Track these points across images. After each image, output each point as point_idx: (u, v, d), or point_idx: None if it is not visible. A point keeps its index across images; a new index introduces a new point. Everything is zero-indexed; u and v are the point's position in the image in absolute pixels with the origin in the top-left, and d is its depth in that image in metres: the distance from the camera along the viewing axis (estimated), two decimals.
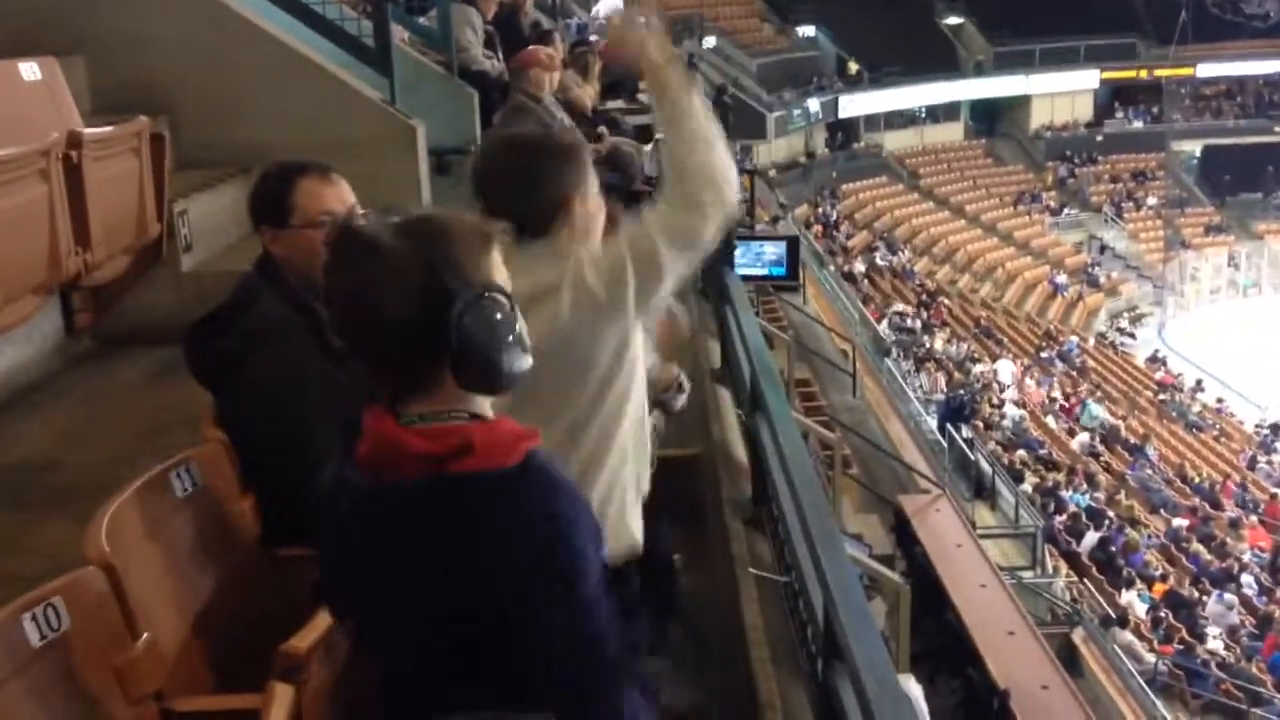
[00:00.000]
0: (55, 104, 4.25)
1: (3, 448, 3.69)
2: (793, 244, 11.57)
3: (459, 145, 7.21)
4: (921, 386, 20.37)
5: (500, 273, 1.71)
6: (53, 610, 1.96)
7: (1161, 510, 18.70)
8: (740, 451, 4.37)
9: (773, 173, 29.12)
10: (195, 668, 2.36)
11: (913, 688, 2.95)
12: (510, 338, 1.66)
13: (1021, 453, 18.75)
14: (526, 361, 1.69)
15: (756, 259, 10.73)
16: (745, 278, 8.83)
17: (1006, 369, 22.82)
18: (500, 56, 8.23)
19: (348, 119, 5.76)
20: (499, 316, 1.65)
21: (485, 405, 1.72)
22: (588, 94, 7.49)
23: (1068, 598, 14.05)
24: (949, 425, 17.67)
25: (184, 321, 2.89)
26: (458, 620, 1.67)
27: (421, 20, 8.38)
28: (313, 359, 2.72)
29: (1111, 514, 17.42)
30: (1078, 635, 12.61)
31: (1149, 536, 17.36)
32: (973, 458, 16.97)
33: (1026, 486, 17.09)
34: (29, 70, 4.15)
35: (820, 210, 30.59)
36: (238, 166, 5.40)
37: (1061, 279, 30.81)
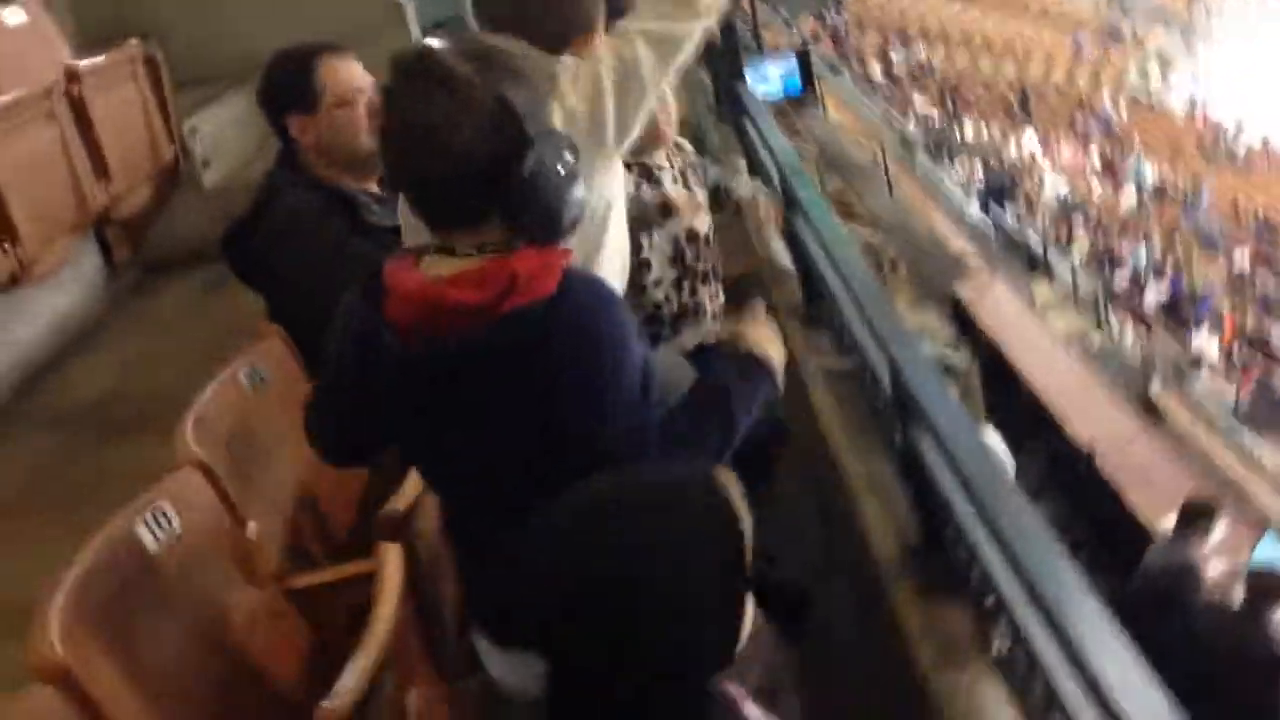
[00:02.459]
0: (45, 44, 4.23)
1: (73, 386, 3.79)
2: (803, 56, 11.25)
3: (451, 15, 7.08)
4: (957, 177, 20.03)
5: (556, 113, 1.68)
6: (161, 513, 2.03)
7: (1220, 251, 18.42)
8: (785, 260, 4.35)
9: None
10: (302, 547, 2.45)
11: (992, 437, 2.97)
12: (573, 187, 1.63)
13: (1073, 220, 18.49)
14: (580, 212, 1.67)
15: (768, 79, 10.49)
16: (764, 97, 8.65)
17: (1033, 140, 22.35)
18: None
19: (333, 9, 5.67)
20: (564, 165, 1.61)
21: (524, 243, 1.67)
22: None
23: (1139, 353, 13.98)
24: (992, 206, 17.43)
25: (217, 238, 2.91)
26: (520, 443, 1.69)
27: None
28: (344, 237, 2.71)
29: (1171, 263, 17.21)
30: (1154, 387, 12.58)
31: (1211, 279, 17.15)
32: (1020, 236, 16.78)
33: (1079, 254, 16.90)
34: (13, 14, 4.12)
35: (827, 20, 29.74)
36: (234, 77, 5.36)
37: (1084, 37, 29.82)
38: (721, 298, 2.76)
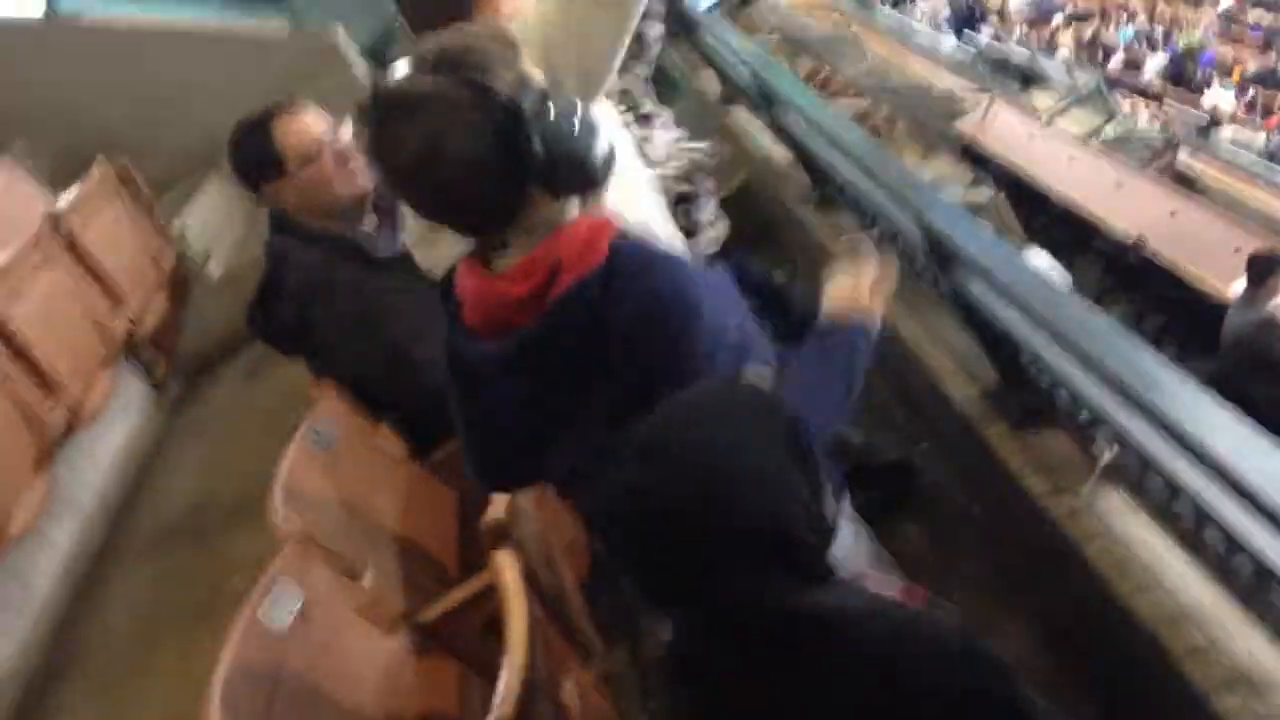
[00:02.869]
0: (24, 194, 4.27)
1: (157, 509, 3.86)
2: None
3: (385, 30, 7.04)
4: (924, 15, 19.69)
5: (536, 71, 1.61)
6: (281, 593, 2.07)
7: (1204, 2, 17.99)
8: (781, 154, 4.32)
9: None
10: (420, 580, 2.49)
11: (1040, 257, 2.94)
12: (588, 127, 1.59)
13: (1054, 18, 18.15)
14: (609, 146, 1.62)
15: None
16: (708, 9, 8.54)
17: None
18: None
19: (268, 62, 5.65)
20: (565, 111, 1.57)
21: (574, 207, 1.66)
22: None
23: (1157, 128, 13.71)
24: (966, 33, 17.15)
25: (240, 325, 2.93)
26: (605, 416, 1.67)
27: None
28: (364, 281, 2.75)
29: (1159, 28, 16.85)
30: (1183, 156, 12.34)
31: (1205, 30, 16.75)
32: (1004, 54, 16.49)
33: (1065, 50, 16.60)
34: None
35: None
36: (203, 165, 5.39)
37: None
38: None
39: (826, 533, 1.43)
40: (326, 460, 2.57)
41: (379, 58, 6.75)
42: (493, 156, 1.53)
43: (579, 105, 1.59)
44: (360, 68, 6.14)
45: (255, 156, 2.72)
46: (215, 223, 5.31)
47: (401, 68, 1.57)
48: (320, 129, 2.73)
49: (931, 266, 2.57)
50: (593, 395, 1.67)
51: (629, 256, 1.62)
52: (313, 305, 2.76)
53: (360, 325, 2.76)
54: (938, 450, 2.80)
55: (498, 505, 2.31)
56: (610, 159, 1.62)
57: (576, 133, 1.57)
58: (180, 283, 4.80)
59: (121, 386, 4.25)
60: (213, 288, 4.93)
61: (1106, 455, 2.14)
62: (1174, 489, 1.88)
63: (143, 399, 4.47)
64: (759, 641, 1.34)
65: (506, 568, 2.18)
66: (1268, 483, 1.57)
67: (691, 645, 1.42)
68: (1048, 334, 2.05)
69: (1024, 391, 2.38)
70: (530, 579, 2.20)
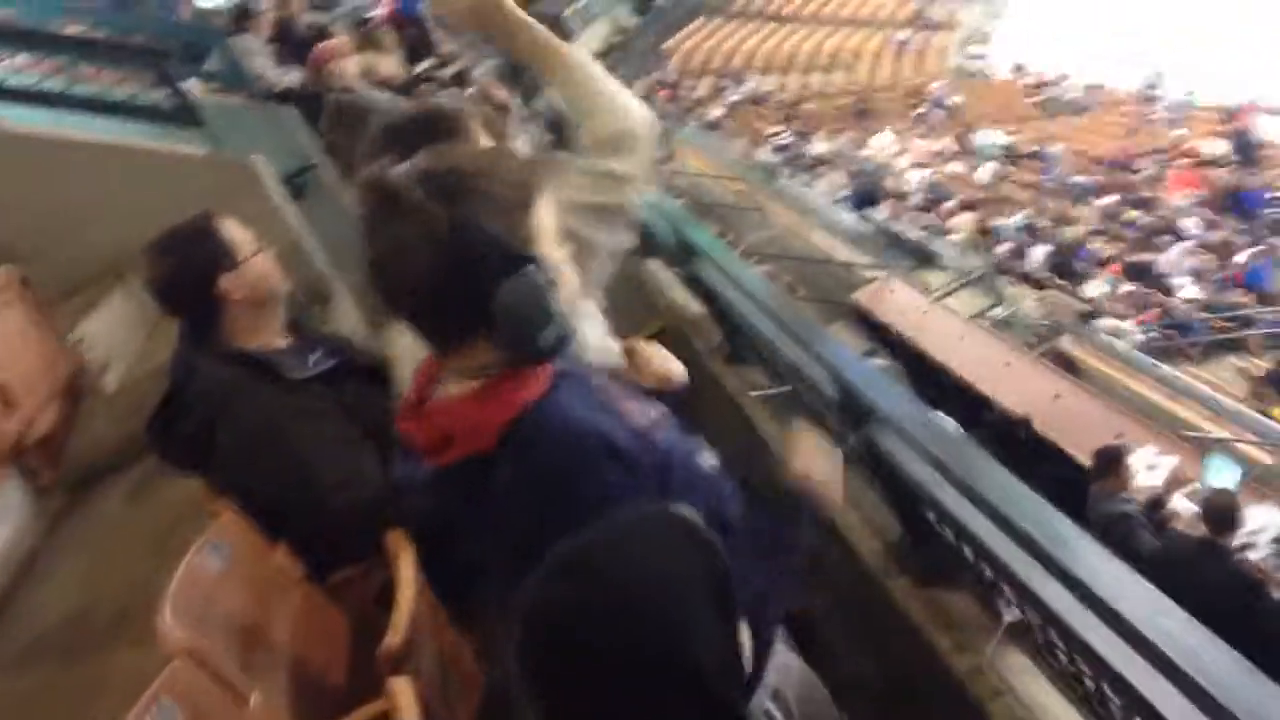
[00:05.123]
0: None
1: (35, 615, 3.69)
2: None
3: (302, 164, 7.10)
4: (825, 191, 20.47)
5: (543, 229, 1.62)
6: (165, 710, 1.99)
7: (1087, 199, 19.01)
8: (694, 308, 4.42)
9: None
10: (309, 706, 2.41)
11: (945, 421, 3.04)
12: (544, 312, 1.57)
13: (948, 203, 18.97)
14: (563, 332, 1.61)
15: None
16: None
17: (886, 140, 23.00)
18: (299, 66, 8.08)
19: (187, 185, 5.64)
20: (532, 290, 1.56)
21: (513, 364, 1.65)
22: (393, 65, 7.36)
23: (1042, 314, 14.32)
24: (865, 211, 17.82)
25: (133, 441, 2.86)
26: (501, 561, 1.66)
27: (206, 67, 8.18)
28: (275, 399, 2.73)
29: (1045, 222, 17.72)
30: (1066, 342, 12.88)
31: (1086, 226, 17.66)
32: (900, 233, 17.16)
33: (957, 236, 17.33)
34: None
35: (657, 77, 30.38)
36: (110, 276, 5.32)
37: (902, 35, 30.84)
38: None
39: (738, 684, 1.41)
40: (220, 577, 2.50)
41: (296, 188, 6.81)
42: (441, 290, 1.55)
43: (547, 290, 1.58)
44: (277, 194, 6.16)
45: (208, 250, 2.73)
46: (117, 334, 5.22)
47: (401, 167, 1.58)
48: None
49: (842, 419, 2.64)
50: (486, 545, 1.69)
51: (523, 438, 1.61)
52: (218, 419, 2.72)
53: (265, 443, 2.73)
54: (840, 603, 2.82)
55: (395, 629, 2.26)
56: (559, 345, 1.62)
57: (529, 313, 1.57)
58: (73, 392, 4.68)
59: (6, 493, 4.09)
60: (107, 399, 4.82)
61: (1009, 615, 2.18)
62: (1076, 647, 1.92)
63: (23, 506, 4.32)
64: None
65: (402, 694, 2.13)
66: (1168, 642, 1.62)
67: None
68: (956, 489, 2.11)
69: (929, 547, 2.43)
70: (425, 708, 2.15)
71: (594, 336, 2.04)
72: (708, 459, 1.85)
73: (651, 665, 1.31)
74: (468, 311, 1.57)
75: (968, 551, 2.24)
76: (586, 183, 2.13)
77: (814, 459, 1.92)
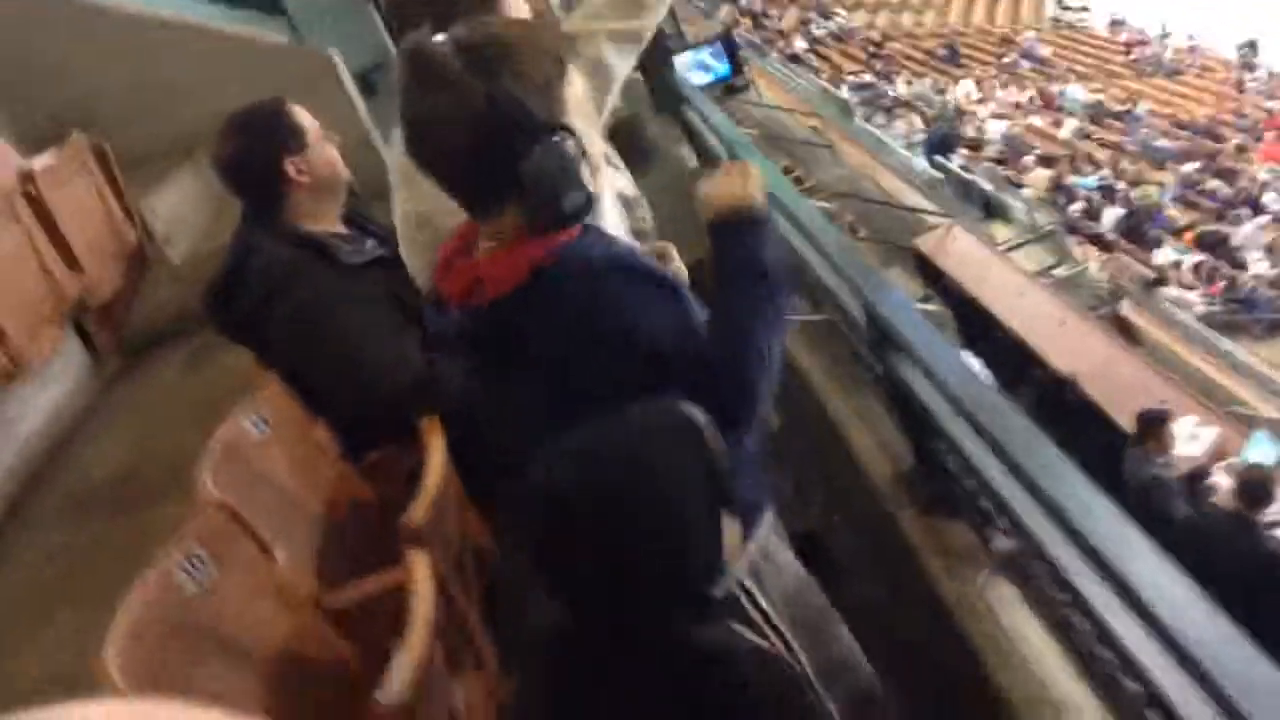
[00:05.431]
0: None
1: (82, 472, 3.85)
2: (727, 40, 11.39)
3: (376, 61, 7.16)
4: (899, 134, 20.21)
5: (571, 99, 1.70)
6: (196, 557, 2.11)
7: (1168, 163, 18.63)
8: None
9: None
10: (332, 570, 2.54)
11: (971, 360, 3.08)
12: (573, 175, 1.67)
13: (1020, 157, 18.67)
14: (585, 199, 1.71)
15: (698, 67, 10.56)
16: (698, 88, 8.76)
17: (968, 88, 22.61)
18: None
19: (265, 72, 5.73)
20: (560, 159, 1.65)
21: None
22: None
23: (1106, 277, 14.14)
24: (938, 158, 17.59)
25: (193, 313, 2.97)
26: (527, 410, 1.80)
27: None
28: (330, 282, 2.82)
29: (1122, 184, 17.40)
30: (1125, 308, 12.72)
31: (1164, 192, 17.32)
32: (971, 182, 16.95)
33: (1032, 190, 17.09)
34: None
35: (743, 5, 29.99)
36: (180, 153, 5.44)
37: None
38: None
39: (716, 575, 1.50)
40: (260, 443, 2.63)
41: (369, 85, 6.87)
42: (472, 157, 1.65)
43: (575, 159, 1.67)
44: (351, 89, 6.23)
45: (277, 132, 2.82)
46: (184, 210, 5.35)
47: (442, 37, 1.66)
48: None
49: (870, 350, 2.70)
50: (517, 387, 1.80)
51: (549, 277, 1.72)
52: (272, 298, 2.82)
53: (317, 323, 2.82)
54: (848, 525, 2.91)
55: (419, 504, 2.37)
56: (582, 210, 1.72)
57: (556, 182, 1.66)
58: (138, 261, 4.83)
59: (63, 350, 4.25)
60: (170, 272, 4.96)
61: (999, 546, 2.26)
62: (1063, 586, 1.98)
63: (81, 367, 4.48)
64: (634, 659, 1.42)
65: (419, 566, 2.25)
66: (1156, 595, 1.68)
67: (571, 640, 1.49)
68: (967, 422, 2.17)
69: (936, 477, 2.50)
70: (440, 583, 2.27)
71: (609, 226, 2.11)
72: None
73: (641, 553, 1.42)
74: (499, 179, 1.66)
75: (971, 484, 2.31)
76: (606, 7, 2.22)
77: (721, 182, 1.90)
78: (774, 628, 1.79)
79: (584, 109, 1.96)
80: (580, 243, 1.76)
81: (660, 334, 1.74)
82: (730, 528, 1.49)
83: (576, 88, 1.73)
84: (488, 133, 1.62)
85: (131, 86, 5.68)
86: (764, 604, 1.79)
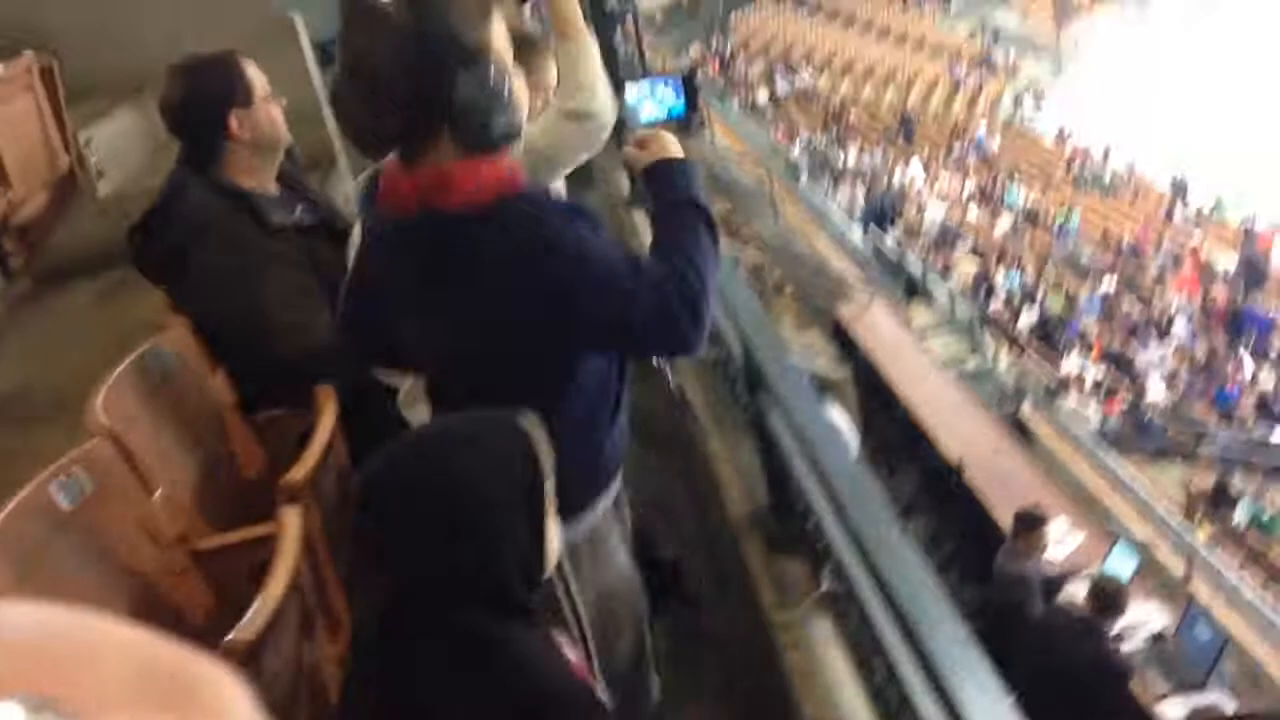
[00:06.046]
0: None
1: None
2: (688, 79, 11.49)
3: (333, 37, 7.18)
4: (840, 202, 20.56)
5: (498, 38, 1.84)
6: (75, 478, 2.19)
7: (1090, 276, 19.17)
8: None
9: (658, 16, 28.86)
10: (207, 514, 2.62)
11: (838, 417, 3.27)
12: (502, 99, 1.81)
13: (952, 246, 19.10)
14: (515, 121, 1.86)
15: (650, 99, 10.65)
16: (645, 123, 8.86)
17: (915, 169, 23.10)
18: None
19: (225, 24, 5.76)
20: (489, 80, 1.80)
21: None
22: None
23: (1012, 377, 14.55)
24: (874, 227, 17.95)
25: (113, 247, 2.99)
26: (453, 326, 1.93)
27: None
28: (251, 239, 2.90)
29: (1043, 288, 17.89)
30: (1026, 409, 13.13)
31: (1082, 303, 17.82)
32: (900, 261, 17.33)
33: (958, 279, 17.51)
34: None
35: (714, 46, 30.39)
36: (127, 90, 5.45)
37: (961, 70, 30.76)
38: None
39: (535, 579, 1.57)
40: (157, 382, 2.69)
41: (328, 56, 6.93)
42: (405, 89, 1.78)
43: (505, 80, 1.83)
44: (309, 55, 6.28)
45: (226, 83, 2.88)
46: (122, 146, 5.35)
47: None
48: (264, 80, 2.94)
49: (744, 386, 2.87)
50: (454, 305, 1.91)
51: (515, 210, 1.86)
52: (193, 244, 2.88)
53: (232, 276, 2.87)
54: (705, 553, 3.07)
55: (302, 463, 2.46)
56: (511, 134, 1.87)
57: (486, 101, 1.80)
58: (67, 188, 4.83)
59: None
60: (97, 205, 4.96)
61: (826, 584, 2.44)
62: (868, 628, 2.16)
63: None
64: (432, 650, 1.47)
65: (290, 524, 2.34)
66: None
67: (384, 623, 1.52)
68: (811, 469, 2.35)
69: (785, 516, 2.68)
70: (308, 543, 2.36)
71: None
72: None
73: (458, 551, 1.49)
74: (432, 105, 1.79)
75: (810, 526, 2.48)
76: (543, 128, 2.34)
77: (647, 142, 2.09)
78: (576, 616, 1.86)
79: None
80: (539, 191, 1.93)
81: (615, 263, 1.87)
82: (554, 536, 1.58)
83: (500, 38, 1.86)
84: (418, 58, 1.76)
85: (93, 16, 5.68)
86: (574, 589, 1.87)
